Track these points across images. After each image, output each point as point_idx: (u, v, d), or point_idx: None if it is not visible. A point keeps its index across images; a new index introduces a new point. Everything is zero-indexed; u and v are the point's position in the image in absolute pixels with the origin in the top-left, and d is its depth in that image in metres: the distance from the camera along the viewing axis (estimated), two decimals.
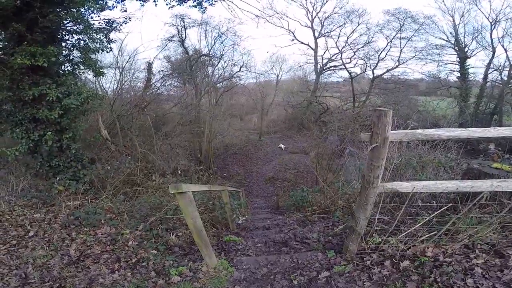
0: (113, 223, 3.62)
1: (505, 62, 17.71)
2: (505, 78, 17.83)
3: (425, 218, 2.51)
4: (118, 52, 12.09)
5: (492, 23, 17.62)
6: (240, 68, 18.50)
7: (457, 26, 18.97)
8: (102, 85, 13.94)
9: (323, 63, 21.90)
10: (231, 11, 9.26)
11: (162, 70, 14.14)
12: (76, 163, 5.47)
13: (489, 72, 18.54)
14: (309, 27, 21.99)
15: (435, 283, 2.03)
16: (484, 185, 2.16)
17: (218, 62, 18.31)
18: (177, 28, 17.28)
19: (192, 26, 17.61)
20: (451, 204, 2.57)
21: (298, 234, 3.66)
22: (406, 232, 2.56)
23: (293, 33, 22.23)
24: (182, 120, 13.08)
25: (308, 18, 21.85)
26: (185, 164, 8.77)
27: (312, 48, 22.32)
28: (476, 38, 18.38)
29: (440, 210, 2.50)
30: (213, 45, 18.63)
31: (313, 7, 21.41)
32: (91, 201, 4.72)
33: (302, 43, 22.72)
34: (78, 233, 3.50)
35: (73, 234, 3.48)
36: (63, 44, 5.49)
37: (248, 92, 22.71)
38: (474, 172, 3.09)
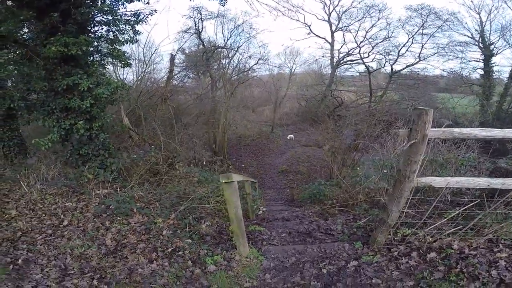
0: (145, 212, 3.66)
1: None
2: None
3: (452, 213, 2.56)
4: (138, 45, 12.36)
5: None
6: (258, 61, 18.47)
7: (484, 23, 18.16)
8: (118, 76, 14.33)
9: (340, 57, 21.49)
10: (250, 4, 9.23)
11: (180, 63, 14.31)
12: (104, 151, 5.69)
13: None
14: (326, 21, 21.53)
15: (461, 273, 2.15)
16: None
17: (234, 55, 18.33)
18: (194, 21, 17.37)
19: (209, 18, 17.64)
20: (478, 200, 2.61)
21: (322, 225, 3.77)
22: (433, 226, 2.63)
23: (309, 27, 21.82)
24: (198, 111, 13.25)
25: (325, 12, 21.39)
26: (210, 155, 8.95)
27: (328, 42, 21.90)
28: (504, 36, 17.55)
29: (467, 206, 2.55)
30: (229, 38, 18.68)
31: (330, 1, 20.90)
32: (119, 189, 4.73)
33: (319, 36, 22.30)
34: (111, 222, 3.47)
35: (106, 223, 3.46)
36: (92, 35, 5.67)
37: (262, 84, 22.64)
38: (501, 171, 3.11)
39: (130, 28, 5.84)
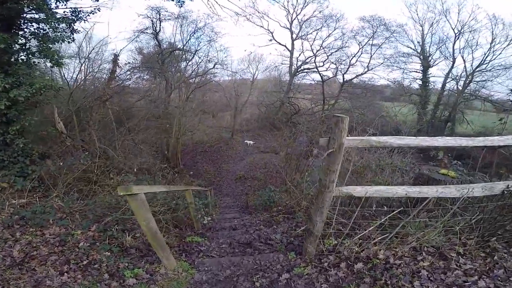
0: (63, 223, 3.35)
1: (462, 72, 19.59)
2: (460, 88, 19.69)
3: (378, 221, 2.65)
4: (85, 42, 11.22)
5: (457, 34, 19.38)
6: (215, 65, 18.18)
7: (425, 36, 20.61)
8: (64, 76, 12.85)
9: (298, 65, 22.39)
10: (210, 7, 9.09)
11: (129, 63, 13.33)
12: (24, 158, 4.96)
13: (447, 81, 20.40)
14: (287, 28, 22.37)
15: (386, 286, 2.14)
16: (430, 191, 2.34)
17: (192, 57, 17.83)
18: (152, 21, 16.51)
19: (168, 19, 16.94)
20: (402, 208, 2.73)
21: (263, 235, 3.68)
22: (361, 235, 2.69)
23: (272, 34, 22.50)
24: (149, 115, 12.45)
25: (288, 20, 22.24)
26: (145, 161, 8.35)
27: (288, 50, 22.73)
28: (440, 48, 20.08)
29: (391, 214, 2.66)
30: (189, 40, 18.12)
31: (294, 9, 21.81)
32: (39, 199, 4.29)
33: (280, 43, 23.16)
34: (23, 234, 3.22)
35: (17, 234, 3.19)
36: (21, 32, 4.98)
37: (222, 89, 22.40)
38: (423, 178, 3.33)
39: (68, 26, 5.23)
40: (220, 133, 21.38)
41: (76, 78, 10.17)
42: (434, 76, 21.56)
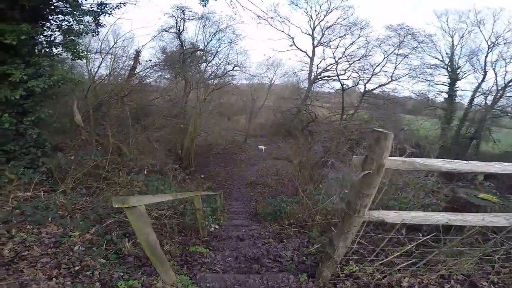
0: (62, 223, 3.16)
1: (493, 86, 18.35)
2: (489, 103, 18.46)
3: (406, 247, 2.31)
4: (113, 37, 11.49)
5: (490, 46, 18.25)
6: (234, 67, 18.12)
7: (455, 47, 19.51)
8: (90, 70, 13.19)
9: (318, 72, 21.96)
10: (233, 8, 9.02)
11: (149, 60, 13.48)
12: (36, 149, 4.91)
13: (475, 95, 19.17)
14: (309, 34, 22.08)
15: None
16: (475, 219, 2.00)
17: (213, 59, 17.89)
18: (176, 20, 16.78)
19: (192, 19, 17.15)
20: (434, 233, 2.39)
21: (272, 250, 3.37)
22: (384, 261, 2.36)
23: (293, 39, 22.26)
24: (165, 113, 12.48)
25: (310, 26, 21.96)
26: (158, 161, 8.25)
27: (309, 56, 22.40)
28: (471, 61, 18.95)
29: (422, 239, 2.32)
30: (210, 41, 18.22)
31: (317, 15, 21.49)
32: (45, 193, 4.12)
33: (300, 50, 22.77)
34: (19, 231, 3.03)
35: (13, 231, 3.01)
36: (47, 24, 5.03)
37: (239, 92, 22.35)
38: (460, 202, 2.94)
39: (93, 19, 5.25)
40: (234, 136, 21.25)
41: (94, 73, 10.31)
42: (461, 90, 20.08)
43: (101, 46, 10.31)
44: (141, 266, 2.72)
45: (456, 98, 19.85)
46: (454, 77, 19.36)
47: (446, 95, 20.00)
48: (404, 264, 2.35)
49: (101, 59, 10.66)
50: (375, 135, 1.62)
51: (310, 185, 10.47)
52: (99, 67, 10.60)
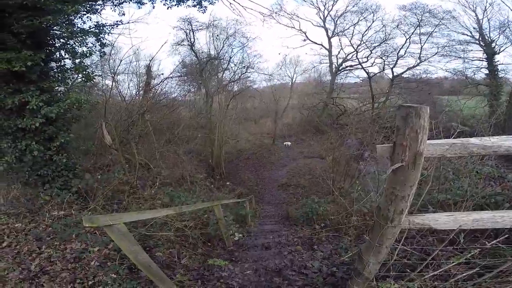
0: (83, 238, 3.24)
1: None
2: None
3: (464, 256, 1.78)
4: (135, 59, 12.16)
5: None
6: (247, 68, 17.99)
7: (481, 21, 17.34)
8: (120, 91, 14.08)
9: (338, 63, 20.92)
10: (233, 10, 8.94)
11: (162, 74, 13.81)
12: (67, 172, 5.19)
13: None
14: (321, 26, 21.23)
15: None
16: None
17: (228, 64, 18.00)
18: (185, 32, 17.26)
19: (200, 29, 17.51)
20: (507, 235, 1.82)
21: (297, 260, 3.00)
22: (435, 273, 1.85)
23: (305, 33, 21.56)
24: (191, 125, 12.72)
25: (320, 17, 21.15)
26: (188, 172, 8.32)
27: (325, 48, 21.50)
28: (504, 33, 16.64)
29: (490, 245, 1.75)
30: (222, 48, 18.37)
31: (324, 5, 20.68)
32: (78, 211, 4.37)
33: (315, 43, 21.94)
34: (48, 247, 3.21)
35: (43, 247, 3.20)
36: (52, 48, 5.26)
37: (260, 95, 22.17)
38: None
39: (96, 40, 5.43)
40: (262, 140, 21.03)
41: (108, 92, 10.76)
42: (503, 64, 17.47)
43: (128, 67, 10.94)
44: (152, 281, 2.58)
45: (499, 73, 17.39)
46: (490, 52, 17.02)
47: (486, 71, 17.63)
48: (464, 274, 1.82)
49: (128, 80, 11.29)
50: (403, 111, 1.18)
51: (346, 182, 9.75)
52: (127, 87, 11.23)
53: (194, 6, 6.95)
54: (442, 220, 1.37)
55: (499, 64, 17.34)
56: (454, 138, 1.71)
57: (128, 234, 1.65)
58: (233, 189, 12.66)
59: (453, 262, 1.81)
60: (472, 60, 18.06)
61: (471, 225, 1.35)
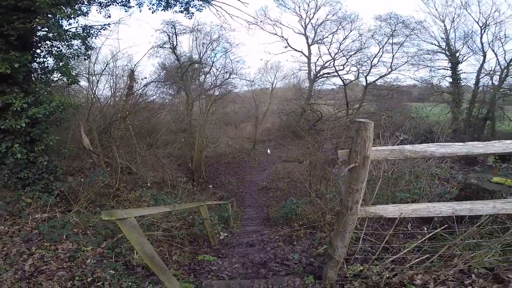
0: (75, 239, 3.34)
1: (496, 66, 17.77)
2: (496, 83, 17.86)
3: (415, 242, 2.22)
4: (112, 60, 11.89)
5: (482, 28, 17.74)
6: (230, 75, 18.24)
7: (448, 31, 19.08)
8: (95, 93, 13.69)
9: (316, 70, 21.88)
10: (220, 17, 9.19)
11: (145, 78, 13.67)
12: (48, 175, 5.14)
13: (480, 77, 18.59)
14: (302, 34, 22.09)
15: None
16: (485, 208, 1.81)
17: (210, 69, 18.13)
18: (168, 35, 17.18)
19: (183, 33, 17.51)
20: (446, 225, 2.27)
21: (279, 254, 3.34)
22: (393, 258, 2.27)
23: (287, 40, 22.31)
24: (171, 129, 12.70)
25: (301, 25, 22.00)
26: (166, 175, 8.40)
27: (305, 55, 22.37)
28: (467, 43, 18.48)
29: (433, 233, 2.21)
30: (205, 53, 18.48)
31: (306, 14, 21.57)
32: (61, 214, 4.40)
33: (296, 50, 22.80)
34: (38, 248, 3.28)
35: (32, 248, 3.26)
36: (38, 51, 5.23)
37: (240, 100, 22.50)
38: (472, 188, 2.80)
39: (81, 43, 5.45)
40: (242, 144, 21.33)
41: (95, 95, 10.55)
42: (465, 73, 19.49)
43: (104, 68, 10.71)
44: (149, 275, 2.79)
45: (461, 81, 19.29)
46: (454, 61, 18.83)
47: (450, 79, 19.48)
48: (416, 260, 2.24)
49: (104, 81, 11.02)
50: (355, 125, 1.57)
51: (322, 184, 10.33)
52: (102, 89, 10.96)
53: (181, 12, 7.14)
54: (390, 210, 1.81)
55: (462, 72, 19.11)
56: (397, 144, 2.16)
57: (137, 227, 1.89)
58: (214, 193, 12.81)
59: (407, 248, 2.23)
60: (438, 69, 19.68)
61: (411, 214, 1.79)
